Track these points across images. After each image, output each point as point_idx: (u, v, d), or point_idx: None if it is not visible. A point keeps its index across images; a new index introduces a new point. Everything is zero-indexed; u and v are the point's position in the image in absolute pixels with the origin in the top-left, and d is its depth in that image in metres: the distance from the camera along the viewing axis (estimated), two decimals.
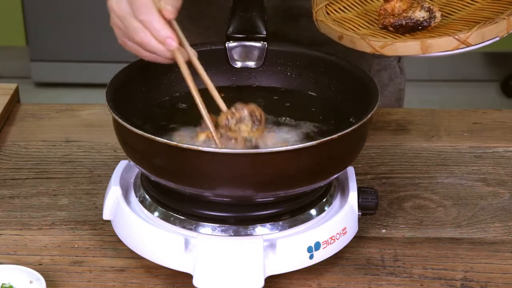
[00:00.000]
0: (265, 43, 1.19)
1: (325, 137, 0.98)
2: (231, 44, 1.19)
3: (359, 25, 1.15)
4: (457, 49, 1.06)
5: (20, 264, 1.04)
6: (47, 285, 1.00)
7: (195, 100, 1.05)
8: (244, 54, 1.20)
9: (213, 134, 1.03)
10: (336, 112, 1.13)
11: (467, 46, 1.06)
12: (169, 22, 1.03)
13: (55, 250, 1.11)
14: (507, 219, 1.17)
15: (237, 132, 1.04)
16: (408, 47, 1.07)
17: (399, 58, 1.50)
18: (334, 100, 1.15)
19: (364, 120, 1.01)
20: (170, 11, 1.01)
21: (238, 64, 1.20)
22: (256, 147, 1.04)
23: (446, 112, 1.43)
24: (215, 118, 1.05)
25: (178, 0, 1.03)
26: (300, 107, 1.15)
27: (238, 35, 1.19)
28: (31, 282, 1.01)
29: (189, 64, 1.06)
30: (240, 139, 1.03)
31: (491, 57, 3.58)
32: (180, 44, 1.05)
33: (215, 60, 1.18)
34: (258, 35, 1.19)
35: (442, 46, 1.06)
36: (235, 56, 1.20)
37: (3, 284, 1.01)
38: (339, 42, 1.11)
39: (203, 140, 1.04)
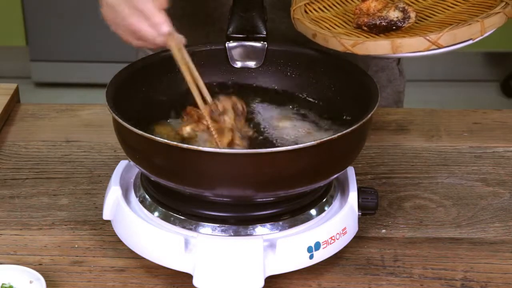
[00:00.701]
0: (265, 43, 1.19)
1: (325, 137, 0.98)
2: (231, 44, 1.19)
3: (335, 25, 1.15)
4: (429, 50, 1.05)
5: (20, 264, 1.04)
6: (47, 285, 1.00)
7: (190, 87, 1.05)
8: (244, 54, 1.20)
9: (208, 122, 1.04)
10: (336, 112, 1.13)
11: (439, 48, 1.05)
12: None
13: (55, 250, 1.11)
14: (507, 219, 1.17)
15: (221, 123, 1.04)
16: (378, 46, 1.06)
17: (398, 60, 1.50)
18: (334, 100, 1.15)
19: (364, 120, 1.01)
20: (163, 1, 1.04)
21: (238, 64, 1.20)
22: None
23: (446, 112, 1.43)
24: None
25: None
26: (299, 107, 1.15)
27: (238, 35, 1.19)
28: (31, 282, 1.01)
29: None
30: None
31: (491, 57, 3.58)
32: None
33: (215, 60, 1.18)
34: (258, 35, 1.19)
35: (413, 46, 1.05)
36: (235, 56, 1.20)
37: (3, 284, 1.01)
38: (313, 40, 1.11)
39: (188, 131, 1.05)
